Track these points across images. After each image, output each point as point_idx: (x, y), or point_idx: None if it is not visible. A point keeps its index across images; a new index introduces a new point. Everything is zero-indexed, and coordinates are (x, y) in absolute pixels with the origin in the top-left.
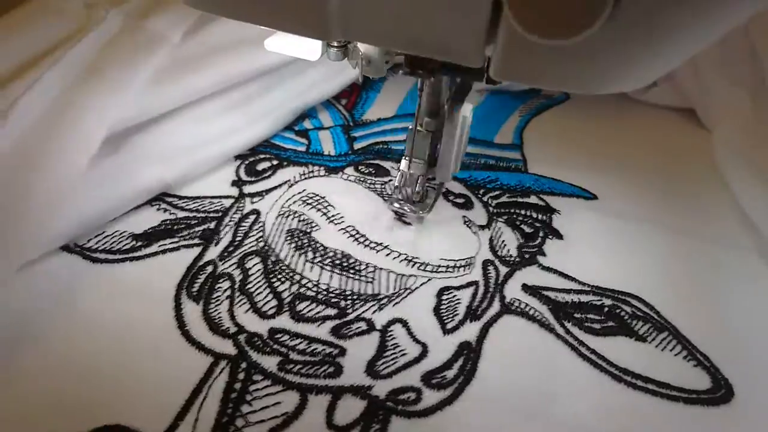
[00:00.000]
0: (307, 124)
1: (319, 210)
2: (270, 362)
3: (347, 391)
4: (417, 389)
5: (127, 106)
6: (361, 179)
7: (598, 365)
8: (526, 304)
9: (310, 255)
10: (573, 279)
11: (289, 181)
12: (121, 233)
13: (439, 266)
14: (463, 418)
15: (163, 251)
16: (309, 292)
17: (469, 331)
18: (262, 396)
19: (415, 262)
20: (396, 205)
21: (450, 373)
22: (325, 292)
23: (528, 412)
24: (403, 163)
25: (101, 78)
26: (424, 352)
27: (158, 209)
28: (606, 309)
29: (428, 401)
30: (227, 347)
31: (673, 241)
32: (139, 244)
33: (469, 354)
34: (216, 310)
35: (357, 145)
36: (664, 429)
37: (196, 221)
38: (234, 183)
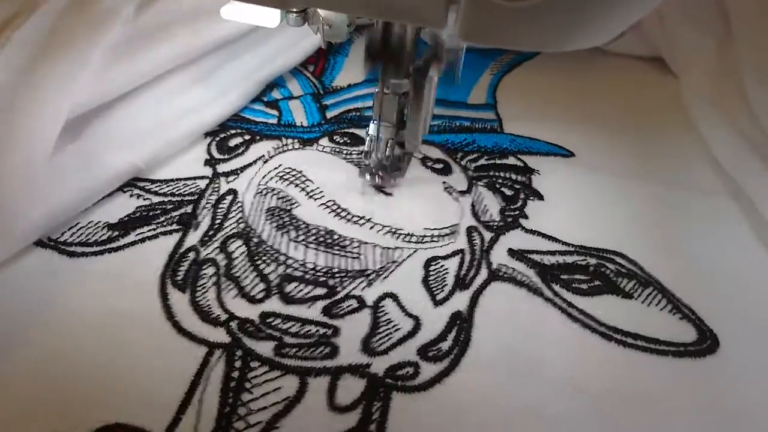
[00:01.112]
0: (276, 94)
1: (297, 186)
2: (265, 348)
3: (346, 371)
4: (414, 363)
5: (85, 88)
6: (337, 150)
7: (588, 325)
8: (513, 269)
9: (293, 234)
10: (557, 240)
11: (263, 156)
12: (95, 224)
13: (424, 237)
14: (462, 388)
15: (142, 240)
16: (296, 273)
17: (460, 301)
18: (261, 383)
19: (400, 234)
20: (368, 176)
21: (445, 345)
22: (312, 272)
23: (523, 376)
24: (372, 128)
25: (54, 60)
26: (417, 326)
27: (131, 195)
28: (591, 268)
29: (426, 374)
30: (220, 335)
31: (650, 192)
32: (116, 233)
33: (462, 324)
34: (204, 298)
35: (329, 114)
36: (656, 383)
37: (172, 206)
38: (207, 162)
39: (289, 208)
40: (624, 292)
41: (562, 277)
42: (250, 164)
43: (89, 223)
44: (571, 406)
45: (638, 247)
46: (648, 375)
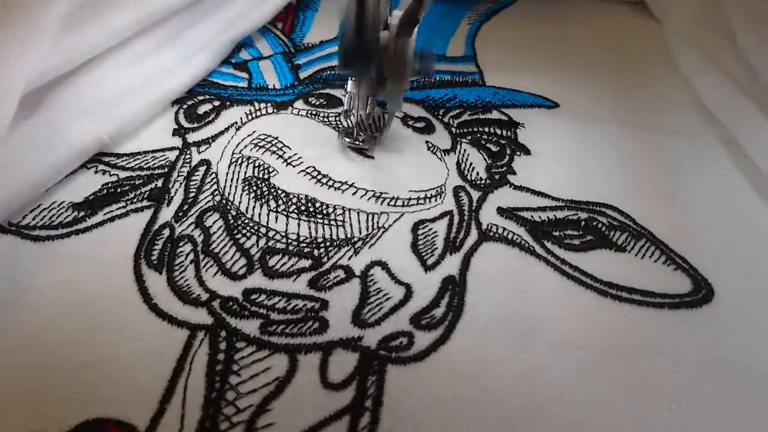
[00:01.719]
0: (245, 54)
1: (274, 153)
2: (251, 326)
3: (337, 346)
4: (408, 333)
5: (41, 59)
6: (313, 113)
7: (583, 282)
8: (504, 229)
9: (272, 204)
10: (546, 195)
11: (235, 123)
12: (59, 204)
13: (410, 199)
14: (459, 355)
15: (111, 219)
16: (278, 245)
17: (451, 265)
18: (249, 364)
19: (384, 198)
20: (347, 137)
21: (438, 312)
22: (295, 243)
23: (520, 339)
24: (350, 85)
25: (8, 27)
26: (408, 294)
27: (96, 172)
28: (583, 223)
29: (421, 344)
30: (202, 316)
31: (637, 139)
32: (82, 214)
33: (455, 288)
34: (182, 278)
35: (302, 74)
36: (653, 337)
37: (141, 180)
38: (176, 132)
39: (266, 176)
40: (617, 246)
41: (553, 233)
42: (222, 132)
43: (52, 204)
44: (570, 365)
45: (627, 198)
46: (645, 328)
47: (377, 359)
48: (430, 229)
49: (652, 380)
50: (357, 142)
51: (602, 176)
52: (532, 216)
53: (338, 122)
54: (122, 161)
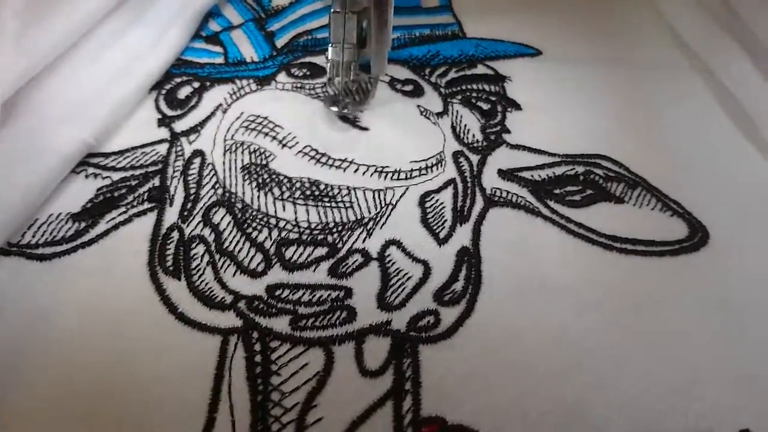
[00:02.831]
0: (214, 25)
1: (267, 135)
2: (281, 323)
3: (368, 333)
4: (433, 311)
5: (4, 65)
6: (298, 85)
7: (588, 238)
8: (507, 192)
9: (276, 191)
10: (542, 152)
11: (220, 105)
12: (57, 217)
13: (412, 170)
14: (484, 327)
15: (115, 226)
16: (291, 235)
17: (463, 236)
18: (287, 362)
19: (387, 172)
20: (333, 108)
21: (458, 286)
22: (308, 231)
23: (538, 304)
24: (331, 52)
25: None
26: (427, 271)
27: (87, 176)
28: (581, 177)
29: (447, 320)
30: (231, 320)
31: (620, 79)
32: (84, 225)
33: (470, 260)
34: (203, 282)
35: (279, 42)
36: (659, 285)
37: (137, 181)
38: (160, 122)
39: (264, 162)
40: (616, 197)
41: (555, 191)
42: (209, 117)
43: (49, 217)
44: (588, 324)
45: (619, 145)
46: (651, 278)
47: (409, 340)
48: (437, 201)
49: (667, 324)
50: (344, 111)
51: (591, 124)
52: (532, 175)
53: (324, 92)
54: (112, 161)
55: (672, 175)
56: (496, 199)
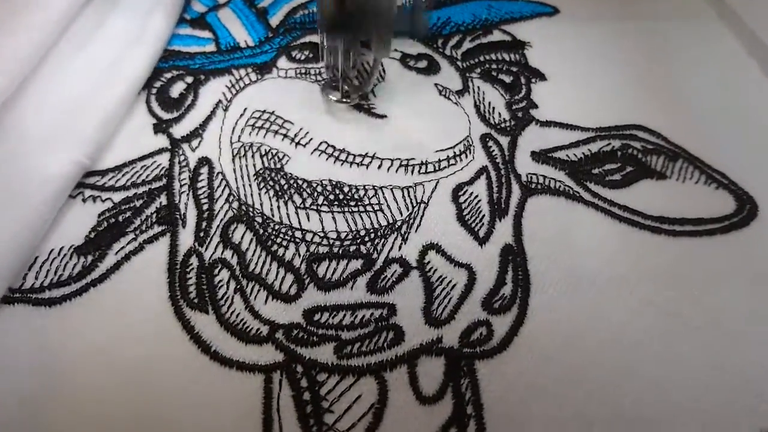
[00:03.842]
0: (198, 6)
1: (276, 132)
2: (325, 353)
3: (419, 353)
4: (485, 321)
5: None
6: (302, 71)
7: (635, 222)
8: (544, 177)
9: (297, 199)
10: (575, 127)
11: (220, 102)
12: (59, 252)
13: (439, 161)
14: (540, 334)
15: (126, 257)
16: (321, 248)
17: (504, 232)
18: (338, 396)
19: (412, 165)
20: (332, 96)
21: (507, 290)
22: (338, 242)
23: (592, 302)
24: (326, 38)
25: None
26: (471, 276)
27: (85, 200)
28: (619, 153)
29: (501, 330)
30: (270, 354)
31: (646, 37)
32: (90, 259)
33: (515, 259)
34: (233, 313)
35: (273, 20)
36: (714, 269)
37: (142, 200)
38: (156, 128)
39: (278, 165)
40: (657, 173)
41: (593, 171)
42: (209, 117)
43: (50, 253)
44: (645, 321)
45: (651, 111)
46: (703, 261)
47: (463, 358)
48: (471, 194)
49: (723, 318)
50: (344, 100)
51: (619, 89)
52: (567, 155)
53: (321, 79)
54: (110, 180)
55: (711, 142)
56: (533, 186)
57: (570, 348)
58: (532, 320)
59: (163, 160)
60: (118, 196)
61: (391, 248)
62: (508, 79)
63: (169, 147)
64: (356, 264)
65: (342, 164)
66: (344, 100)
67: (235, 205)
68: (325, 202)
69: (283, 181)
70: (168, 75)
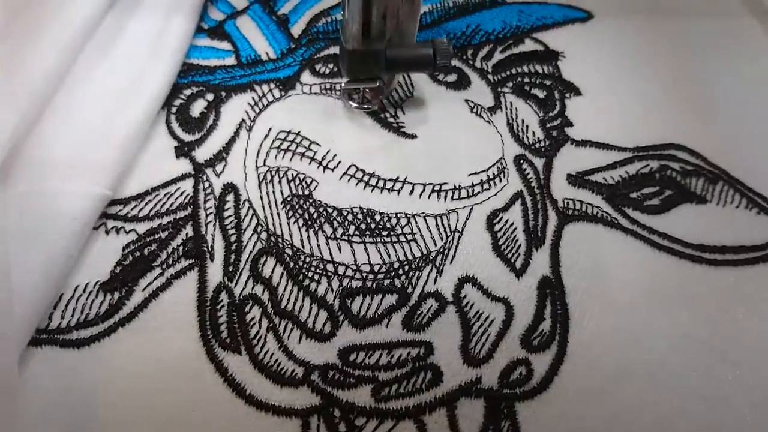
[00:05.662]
0: (215, 13)
1: (303, 155)
2: (363, 396)
3: (459, 395)
4: (524, 360)
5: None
6: (327, 86)
7: (675, 251)
8: (581, 202)
9: (327, 229)
10: (611, 147)
11: (243, 122)
12: (85, 289)
13: (473, 185)
14: (581, 373)
15: (154, 294)
16: (354, 282)
17: (541, 263)
18: None
19: (445, 190)
20: (352, 102)
21: (545, 326)
22: (371, 276)
23: (630, 336)
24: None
25: None
26: (509, 311)
27: (108, 232)
28: (657, 176)
29: (540, 369)
30: (306, 397)
31: (681, 42)
32: (117, 296)
33: (554, 292)
34: (266, 352)
35: (295, 30)
36: (757, 301)
37: (167, 231)
38: (179, 151)
39: (307, 192)
40: (697, 197)
41: (631, 196)
42: (232, 138)
43: (76, 290)
44: (687, 358)
45: (689, 127)
46: (746, 292)
47: (503, 400)
48: (507, 222)
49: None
50: (365, 106)
51: (656, 104)
52: (604, 178)
53: (339, 87)
54: (132, 210)
55: (752, 162)
56: (570, 212)
57: (611, 388)
58: (572, 359)
59: (187, 186)
60: (142, 227)
61: (426, 281)
62: (541, 94)
63: (193, 172)
64: (391, 299)
65: (372, 190)
66: (364, 106)
67: (264, 235)
68: (356, 232)
69: (312, 209)
70: (188, 92)
